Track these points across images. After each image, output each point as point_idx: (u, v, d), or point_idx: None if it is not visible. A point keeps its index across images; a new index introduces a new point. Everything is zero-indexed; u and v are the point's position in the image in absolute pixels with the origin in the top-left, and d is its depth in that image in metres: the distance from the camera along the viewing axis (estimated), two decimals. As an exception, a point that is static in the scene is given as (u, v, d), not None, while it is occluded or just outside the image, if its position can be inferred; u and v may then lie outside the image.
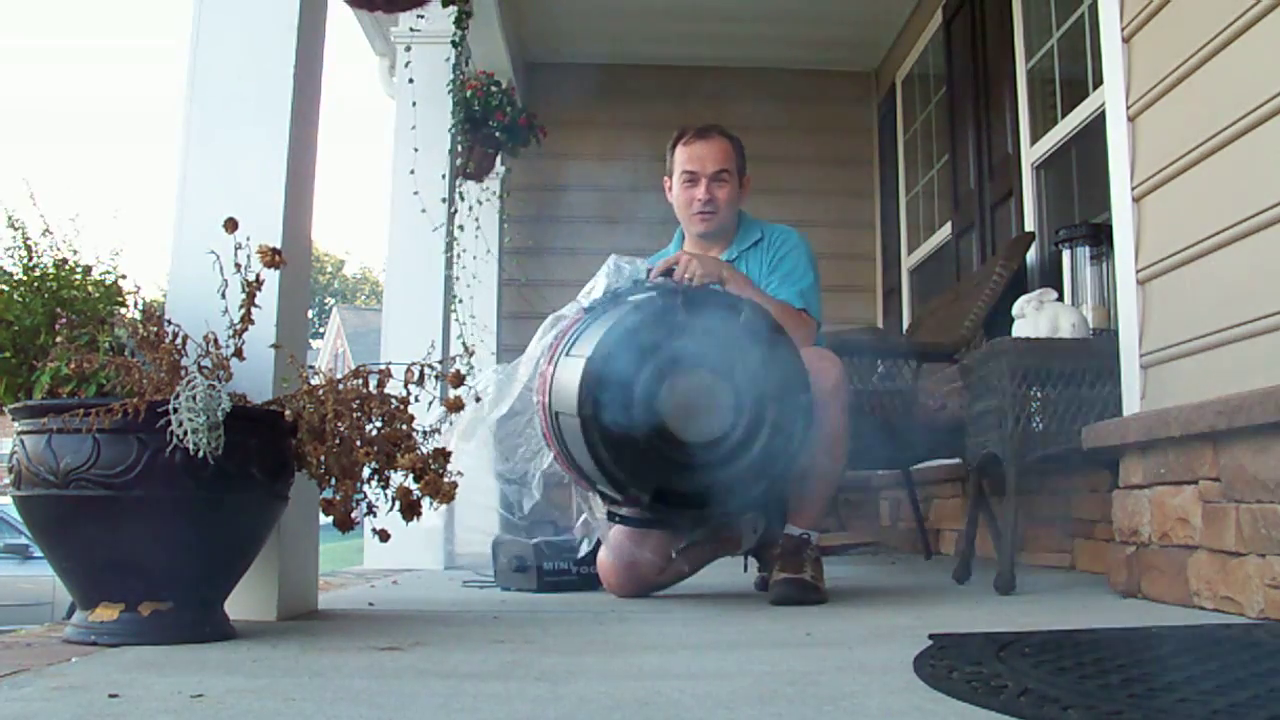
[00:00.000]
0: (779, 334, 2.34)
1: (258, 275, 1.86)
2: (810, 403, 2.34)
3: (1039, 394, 2.62)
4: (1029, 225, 4.07)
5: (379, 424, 1.87)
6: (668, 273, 2.55)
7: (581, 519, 2.68)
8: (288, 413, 1.81)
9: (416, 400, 1.92)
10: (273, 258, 1.85)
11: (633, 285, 2.51)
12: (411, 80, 4.01)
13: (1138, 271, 2.47)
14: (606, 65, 5.97)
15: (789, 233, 2.83)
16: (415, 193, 3.89)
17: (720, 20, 5.69)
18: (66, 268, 2.00)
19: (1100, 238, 3.03)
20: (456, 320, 4.49)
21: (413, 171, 3.90)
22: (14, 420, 1.76)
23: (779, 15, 5.60)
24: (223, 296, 1.83)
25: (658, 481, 2.26)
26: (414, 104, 4.01)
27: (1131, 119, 2.50)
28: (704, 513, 2.36)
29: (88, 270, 2.02)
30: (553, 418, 2.41)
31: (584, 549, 2.81)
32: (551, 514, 2.97)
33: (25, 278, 1.96)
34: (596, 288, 2.55)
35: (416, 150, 3.91)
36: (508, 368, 2.76)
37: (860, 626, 2.01)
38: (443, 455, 1.92)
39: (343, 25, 7.79)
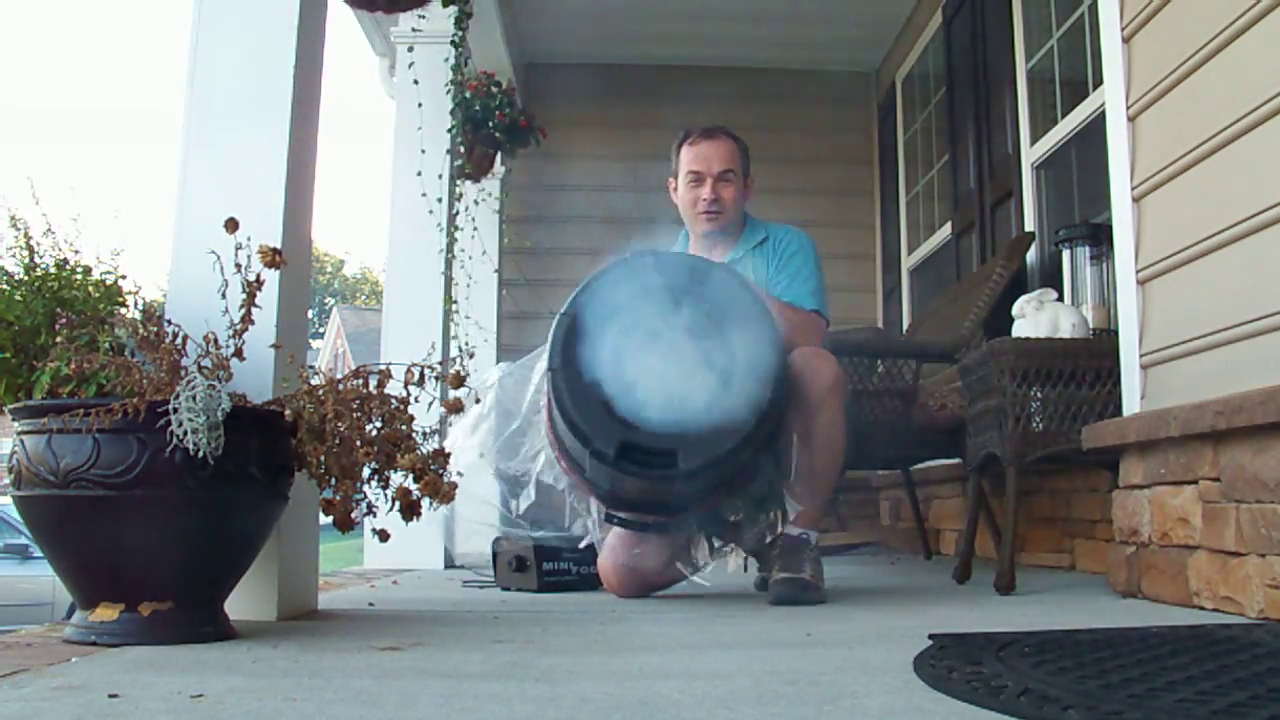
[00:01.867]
0: (749, 294, 2.34)
1: (258, 275, 1.86)
2: (783, 362, 2.33)
3: (1039, 394, 2.62)
4: (1029, 225, 4.07)
5: (379, 424, 1.87)
6: None
7: (578, 522, 2.68)
8: (288, 413, 1.81)
9: (416, 401, 1.92)
10: (273, 258, 1.85)
11: None
12: (416, 81, 4.01)
13: (1138, 271, 2.47)
14: (606, 65, 5.97)
15: (795, 233, 2.83)
16: (423, 194, 3.91)
17: (720, 20, 5.69)
18: (67, 268, 2.00)
19: (1100, 238, 3.03)
20: (456, 321, 4.49)
21: (419, 174, 3.91)
22: (14, 420, 1.76)
23: (779, 15, 5.60)
24: (223, 296, 1.83)
25: (623, 435, 2.24)
26: (416, 105, 4.01)
27: (1131, 119, 2.50)
28: (693, 501, 2.33)
29: (88, 270, 2.02)
30: (551, 409, 2.41)
31: (584, 541, 2.81)
32: (548, 514, 2.97)
33: (26, 278, 1.96)
34: None
35: (422, 152, 3.91)
36: (516, 367, 2.76)
37: (860, 626, 2.01)
38: (442, 456, 1.92)
39: (343, 25, 7.80)
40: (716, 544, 2.65)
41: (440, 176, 4.04)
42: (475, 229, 5.06)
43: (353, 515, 1.87)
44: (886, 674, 1.41)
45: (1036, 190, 4.08)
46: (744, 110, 5.66)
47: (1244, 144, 2.11)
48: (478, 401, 2.65)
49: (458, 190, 4.53)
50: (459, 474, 1.94)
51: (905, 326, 5.47)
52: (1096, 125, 3.28)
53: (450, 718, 1.16)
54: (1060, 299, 3.04)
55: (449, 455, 1.94)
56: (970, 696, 1.21)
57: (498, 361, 4.96)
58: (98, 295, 1.99)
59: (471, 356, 2.34)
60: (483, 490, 2.98)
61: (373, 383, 1.89)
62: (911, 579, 3.31)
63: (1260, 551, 1.92)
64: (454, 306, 4.28)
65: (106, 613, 1.70)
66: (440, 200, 4.02)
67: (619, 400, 2.24)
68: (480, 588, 3.09)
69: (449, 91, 4.24)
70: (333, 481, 1.83)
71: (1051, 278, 3.57)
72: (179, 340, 1.82)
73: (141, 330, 1.83)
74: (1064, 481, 3.38)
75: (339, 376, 1.89)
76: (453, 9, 3.96)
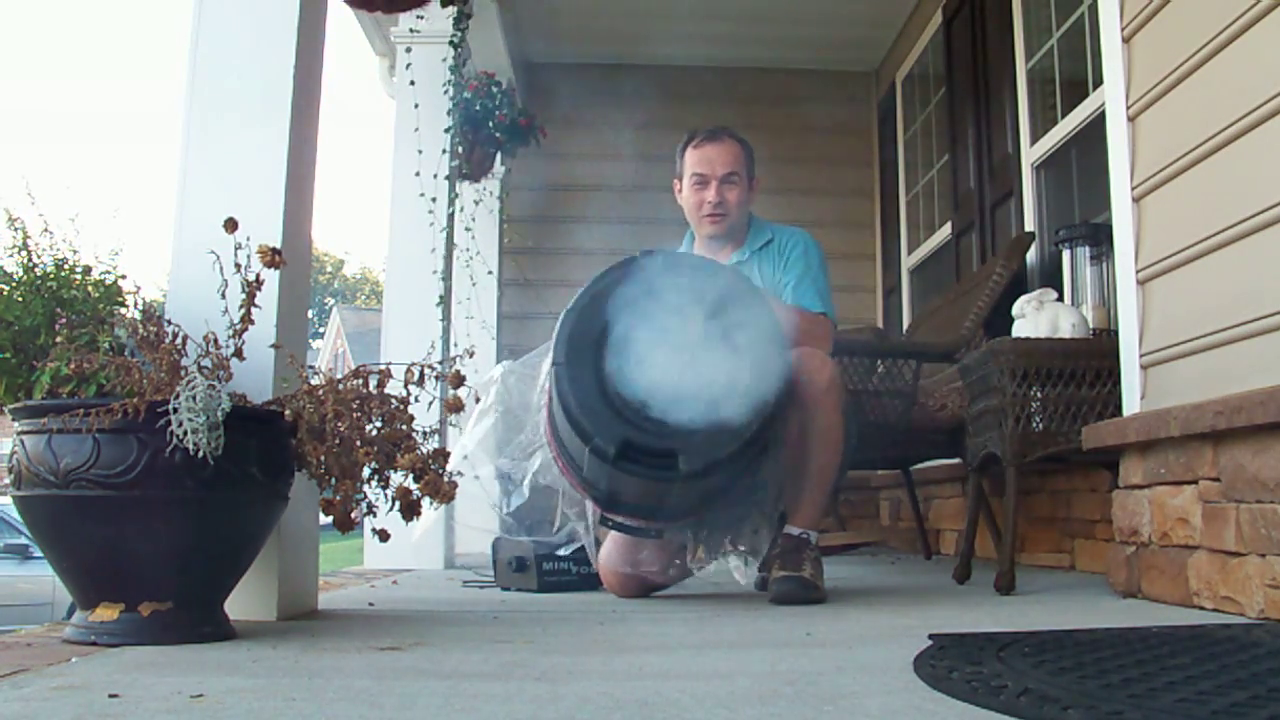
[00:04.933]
0: (757, 297, 2.33)
1: (258, 275, 1.86)
2: (788, 363, 2.31)
3: (1039, 394, 2.62)
4: (1029, 225, 4.07)
5: (379, 424, 1.87)
6: None
7: (568, 527, 2.67)
8: (288, 413, 1.81)
9: (416, 400, 1.92)
10: (272, 258, 1.85)
11: None
12: (413, 82, 4.01)
13: (1138, 271, 2.47)
14: (606, 65, 5.97)
15: (800, 235, 2.83)
16: (423, 195, 3.91)
17: (720, 20, 5.69)
18: (66, 268, 2.00)
19: (1100, 238, 3.03)
20: (456, 320, 4.49)
21: (418, 174, 3.91)
22: (14, 420, 1.76)
23: (779, 15, 5.60)
24: (223, 296, 1.83)
25: (624, 434, 2.22)
26: (415, 105, 4.01)
27: (1131, 119, 2.50)
28: (689, 501, 2.32)
29: (88, 270, 2.02)
30: (550, 407, 2.41)
31: (569, 548, 2.82)
32: (538, 515, 2.97)
33: (25, 278, 1.96)
34: None
35: (420, 151, 3.91)
36: (519, 364, 2.75)
37: (860, 626, 2.01)
38: (442, 455, 1.92)
39: (343, 25, 7.81)
40: (715, 546, 2.65)
41: (440, 177, 4.04)
42: (475, 229, 5.07)
43: (353, 515, 1.87)
44: (886, 674, 1.41)
45: (1036, 190, 4.08)
46: (744, 110, 5.66)
47: (1244, 144, 2.11)
48: (478, 400, 2.65)
49: (458, 190, 4.53)
50: (458, 473, 1.94)
51: (905, 326, 5.46)
52: (1096, 125, 3.29)
53: (450, 718, 1.16)
54: (1060, 299, 3.04)
55: (449, 455, 1.94)
56: (970, 696, 1.21)
57: (498, 361, 4.96)
58: (97, 295, 1.99)
59: (471, 356, 2.34)
60: (480, 491, 2.98)
61: (373, 382, 1.89)
62: (911, 579, 3.31)
63: (1260, 551, 1.92)
64: (454, 306, 4.28)
65: (106, 613, 1.70)
66: (440, 200, 4.02)
67: (621, 398, 2.23)
68: (480, 588, 3.09)
69: (448, 92, 4.23)
70: (333, 481, 1.83)
71: (1051, 278, 3.57)
72: (179, 340, 1.82)
73: (141, 330, 1.83)
74: (1064, 481, 3.38)
75: (339, 376, 1.89)
76: (452, 9, 3.96)
